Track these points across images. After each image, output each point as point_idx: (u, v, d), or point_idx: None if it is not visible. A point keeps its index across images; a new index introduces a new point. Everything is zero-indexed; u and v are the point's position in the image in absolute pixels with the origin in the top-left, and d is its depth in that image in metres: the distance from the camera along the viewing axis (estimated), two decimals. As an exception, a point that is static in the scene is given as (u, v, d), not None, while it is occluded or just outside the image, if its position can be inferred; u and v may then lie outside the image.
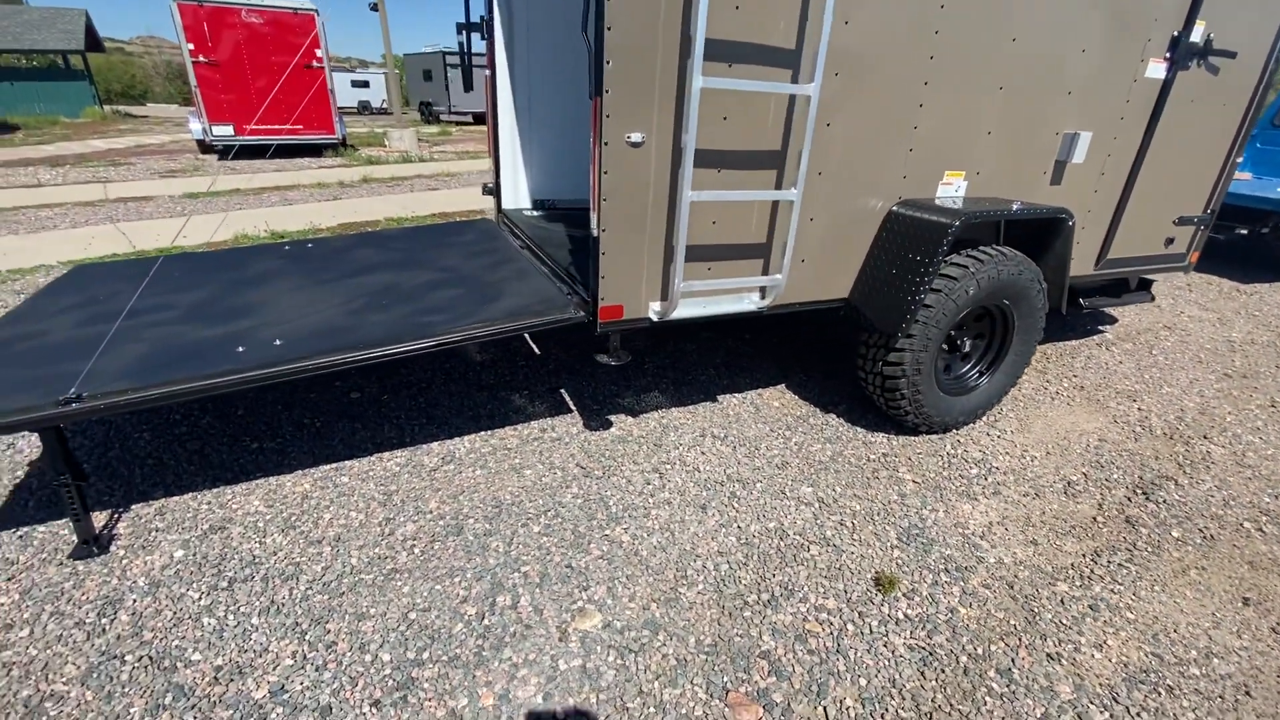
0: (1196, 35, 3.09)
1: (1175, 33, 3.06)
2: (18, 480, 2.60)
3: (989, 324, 3.12)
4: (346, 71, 36.09)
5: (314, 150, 13.10)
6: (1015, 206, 2.81)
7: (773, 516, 2.54)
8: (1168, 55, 3.11)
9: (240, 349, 2.27)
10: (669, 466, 2.85)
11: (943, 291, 2.68)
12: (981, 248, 2.82)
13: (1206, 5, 3.01)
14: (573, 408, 3.34)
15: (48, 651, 1.86)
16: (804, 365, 3.90)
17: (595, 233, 2.36)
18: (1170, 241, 3.78)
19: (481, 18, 3.80)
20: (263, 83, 12.08)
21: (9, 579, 2.11)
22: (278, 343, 2.32)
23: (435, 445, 2.94)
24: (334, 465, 2.76)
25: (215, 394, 2.14)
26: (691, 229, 2.38)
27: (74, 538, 2.27)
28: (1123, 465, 2.96)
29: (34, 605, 2.01)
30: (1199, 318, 4.99)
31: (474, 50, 3.86)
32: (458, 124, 25.00)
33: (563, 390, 3.52)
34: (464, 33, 3.77)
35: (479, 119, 25.59)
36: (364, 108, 33.73)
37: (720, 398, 3.47)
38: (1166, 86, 3.18)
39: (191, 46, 11.26)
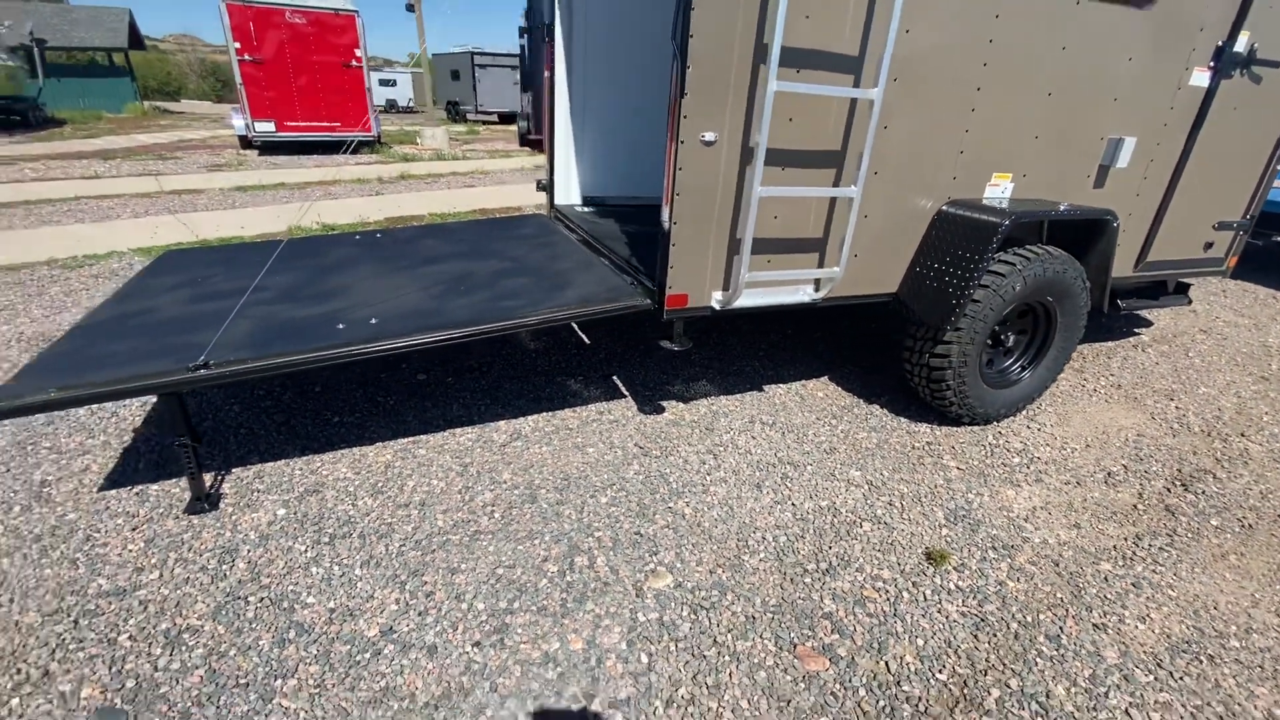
0: (1240, 45, 3.19)
1: (1220, 42, 3.17)
2: (125, 444, 2.83)
3: (1032, 320, 3.24)
4: (374, 70, 36.68)
5: (351, 147, 13.43)
6: (1063, 207, 2.94)
7: (824, 496, 2.69)
8: (1212, 64, 3.21)
9: (341, 326, 2.48)
10: (722, 449, 3.01)
11: (991, 287, 2.82)
12: (1028, 246, 2.95)
13: (1251, 16, 3.11)
14: (626, 393, 3.51)
15: (178, 591, 2.07)
16: (845, 358, 4.04)
17: (666, 225, 2.53)
18: (1209, 246, 3.87)
19: (543, 23, 3.99)
20: (304, 81, 12.44)
21: (133, 529, 2.33)
22: (373, 321, 2.52)
23: (502, 423, 3.13)
24: (411, 439, 2.96)
25: (325, 365, 2.34)
26: (757, 223, 2.54)
27: (186, 495, 2.50)
28: (1161, 459, 3.07)
29: (159, 552, 2.23)
30: (1235, 323, 5.04)
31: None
32: (484, 123, 25.36)
33: (615, 377, 3.70)
34: (525, 36, 3.96)
35: (505, 118, 25.92)
36: (391, 106, 34.27)
37: (766, 387, 3.63)
38: (1210, 94, 3.28)
39: (238, 45, 11.64)
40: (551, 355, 3.92)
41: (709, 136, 2.40)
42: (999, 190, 3.05)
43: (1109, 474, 2.93)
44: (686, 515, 2.54)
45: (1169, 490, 2.84)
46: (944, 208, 2.92)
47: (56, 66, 24.41)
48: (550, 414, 3.25)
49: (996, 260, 2.86)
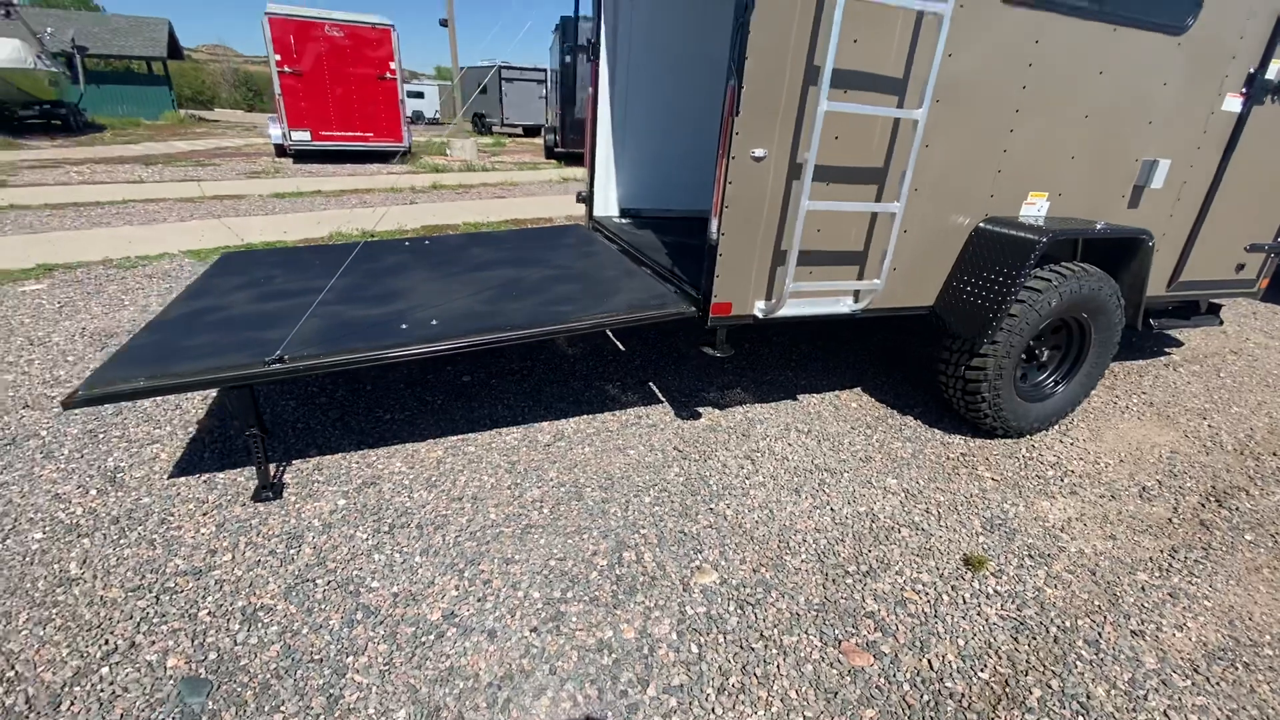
0: (1272, 73, 3.26)
1: (1251, 70, 3.24)
2: (190, 435, 2.97)
3: (1066, 335, 3.30)
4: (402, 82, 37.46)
5: (382, 156, 13.78)
6: (1099, 226, 3.01)
7: (862, 502, 2.76)
8: (1244, 90, 3.28)
9: (404, 326, 2.61)
10: (759, 454, 3.09)
11: (1027, 302, 2.89)
12: (1064, 263, 3.02)
13: (1285, 44, 3.18)
14: (662, 399, 3.61)
15: (250, 573, 2.19)
16: (877, 370, 4.11)
17: (714, 236, 2.64)
18: (1241, 268, 3.91)
19: (589, 41, 4.15)
20: (340, 92, 12.82)
21: (204, 514, 2.45)
22: (434, 323, 2.65)
23: (545, 424, 3.24)
24: (460, 436, 3.08)
25: (392, 362, 2.46)
26: (801, 236, 2.64)
27: (250, 484, 2.63)
28: (1195, 475, 3.11)
29: (230, 536, 2.35)
30: (1265, 344, 5.05)
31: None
32: (510, 135, 25.80)
33: (651, 383, 3.80)
34: (573, 55, 4.12)
35: (529, 131, 26.38)
36: (417, 118, 34.99)
37: (800, 396, 3.71)
38: (1242, 119, 3.35)
39: (279, 57, 12.03)
40: (589, 361, 4.03)
41: (759, 152, 2.51)
42: (1035, 208, 3.13)
43: (1143, 488, 2.98)
44: (728, 516, 2.63)
45: (1203, 505, 2.88)
46: (981, 224, 3.00)
47: (96, 73, 25.26)
48: (591, 416, 3.35)
49: (1033, 276, 2.93)
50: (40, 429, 2.92)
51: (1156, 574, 2.42)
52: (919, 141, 2.57)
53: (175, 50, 27.32)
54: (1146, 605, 2.26)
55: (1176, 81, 3.08)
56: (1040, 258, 2.82)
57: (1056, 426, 3.49)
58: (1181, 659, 2.04)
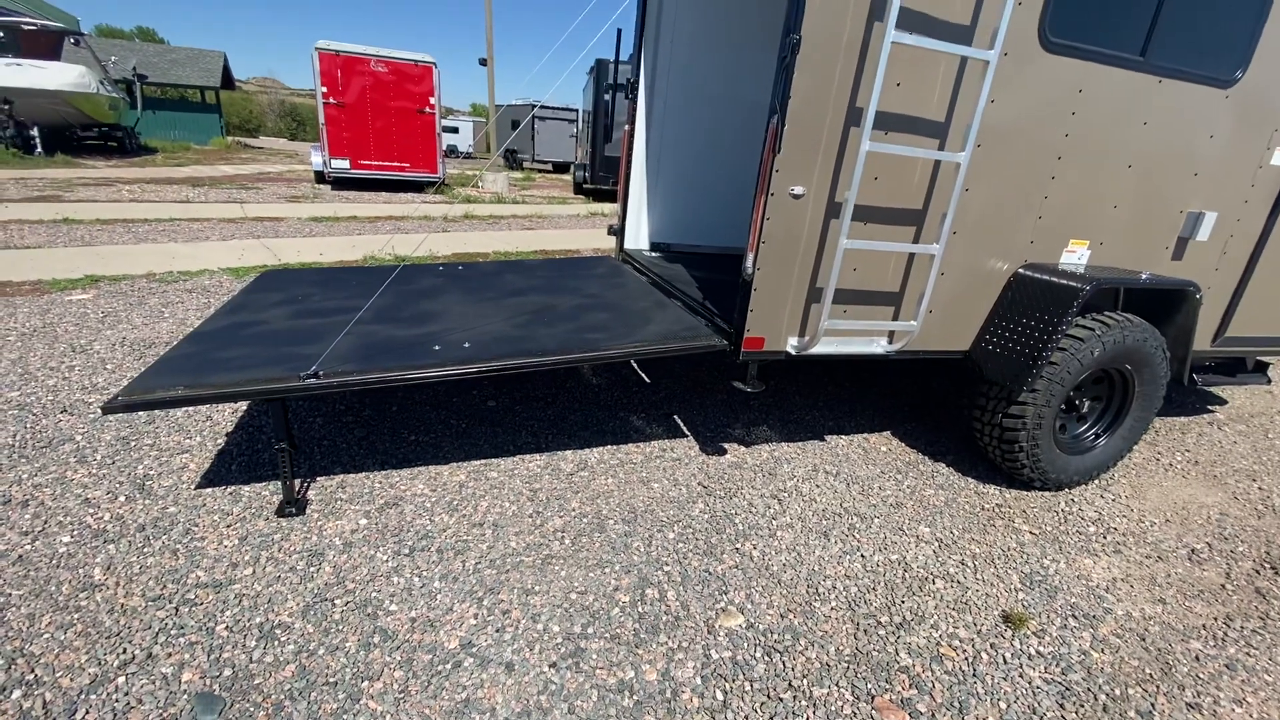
0: (1323, 129, 3.21)
1: (1302, 124, 3.19)
2: (219, 447, 2.99)
3: (1108, 387, 3.21)
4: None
5: (417, 186, 14.18)
6: (1144, 276, 2.95)
7: (894, 549, 2.67)
8: (1294, 145, 3.23)
9: (437, 347, 2.62)
10: (786, 495, 3.02)
11: (1069, 351, 2.82)
12: (1108, 313, 2.95)
13: (1335, 101, 3.14)
14: (687, 432, 3.56)
15: (270, 589, 2.16)
16: (906, 414, 4.03)
17: (749, 271, 2.63)
18: (1290, 325, 3.79)
19: (628, 80, 4.26)
20: (380, 124, 13.31)
21: (228, 526, 2.44)
22: (466, 345, 2.66)
23: (569, 453, 3.20)
24: (483, 461, 3.05)
25: (424, 383, 2.47)
26: (839, 274, 2.62)
27: (275, 498, 2.62)
28: (1248, 540, 2.95)
29: (252, 550, 2.33)
30: (1314, 407, 4.85)
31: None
32: (539, 171, 26.47)
33: (675, 416, 3.76)
34: (612, 93, 4.23)
35: (558, 167, 27.06)
36: (452, 151, 36.14)
37: (828, 437, 3.64)
38: (1292, 174, 3.29)
39: (325, 89, 12.58)
40: (614, 391, 4.01)
41: (798, 190, 2.52)
42: (1075, 256, 3.08)
43: (1192, 551, 2.83)
44: (754, 558, 2.55)
45: (1258, 572, 2.72)
46: (1021, 270, 2.96)
47: (153, 100, 26.61)
48: (615, 447, 3.31)
49: (1075, 324, 2.87)
50: (75, 433, 2.96)
51: (1211, 643, 2.28)
52: (960, 185, 2.56)
53: (228, 81, 28.74)
54: (1202, 676, 2.12)
55: (1224, 134, 3.05)
56: (1083, 306, 2.76)
57: (1096, 481, 3.36)
58: (1243, 738, 1.90)
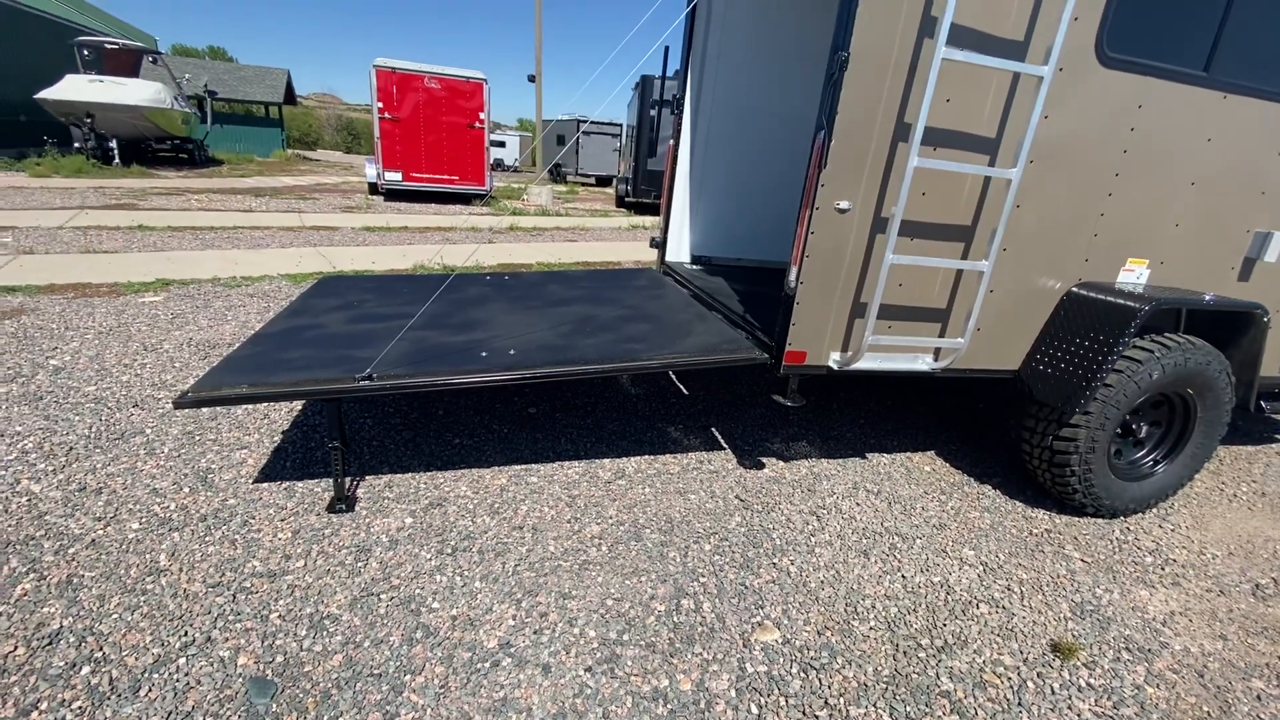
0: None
1: (1382, 142, 3.03)
2: (275, 444, 3.13)
3: (1168, 412, 3.08)
4: (487, 132, 39.92)
5: (465, 199, 14.58)
6: (1208, 298, 2.84)
7: (936, 571, 2.61)
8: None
9: (484, 354, 2.70)
10: (825, 512, 2.98)
11: (1125, 373, 2.72)
12: (1168, 334, 2.84)
13: None
14: (725, 445, 3.56)
15: (319, 581, 2.25)
16: (951, 433, 3.93)
17: (792, 284, 2.64)
18: (1369, 353, 3.57)
19: (674, 96, 4.33)
20: (432, 138, 13.76)
21: (283, 520, 2.56)
22: (512, 352, 2.73)
23: (607, 461, 3.24)
24: (523, 466, 3.12)
25: (472, 388, 2.55)
26: (884, 289, 2.60)
27: (326, 495, 2.73)
28: (1320, 578, 2.78)
29: (304, 543, 2.43)
30: (1399, 441, 4.54)
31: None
32: (582, 184, 26.88)
33: (713, 429, 3.76)
34: (658, 109, 4.31)
35: (601, 181, 27.43)
36: (498, 165, 37.03)
37: (869, 455, 3.58)
38: (1370, 194, 3.12)
39: (380, 104, 13.09)
40: (652, 402, 4.04)
41: (843, 205, 2.52)
42: (1133, 275, 2.98)
43: (1257, 586, 2.68)
44: (791, 573, 2.53)
45: (1332, 614, 2.56)
46: (1074, 289, 2.88)
47: (221, 114, 28.07)
48: (652, 457, 3.33)
49: (1133, 346, 2.77)
50: (146, 427, 3.14)
51: (1274, 682, 2.16)
52: (1011, 201, 2.52)
53: (290, 96, 30.17)
54: (1264, 717, 2.01)
55: (1294, 152, 2.92)
56: (1141, 327, 2.67)
57: (1155, 509, 3.22)
58: (1315, 787, 1.79)
